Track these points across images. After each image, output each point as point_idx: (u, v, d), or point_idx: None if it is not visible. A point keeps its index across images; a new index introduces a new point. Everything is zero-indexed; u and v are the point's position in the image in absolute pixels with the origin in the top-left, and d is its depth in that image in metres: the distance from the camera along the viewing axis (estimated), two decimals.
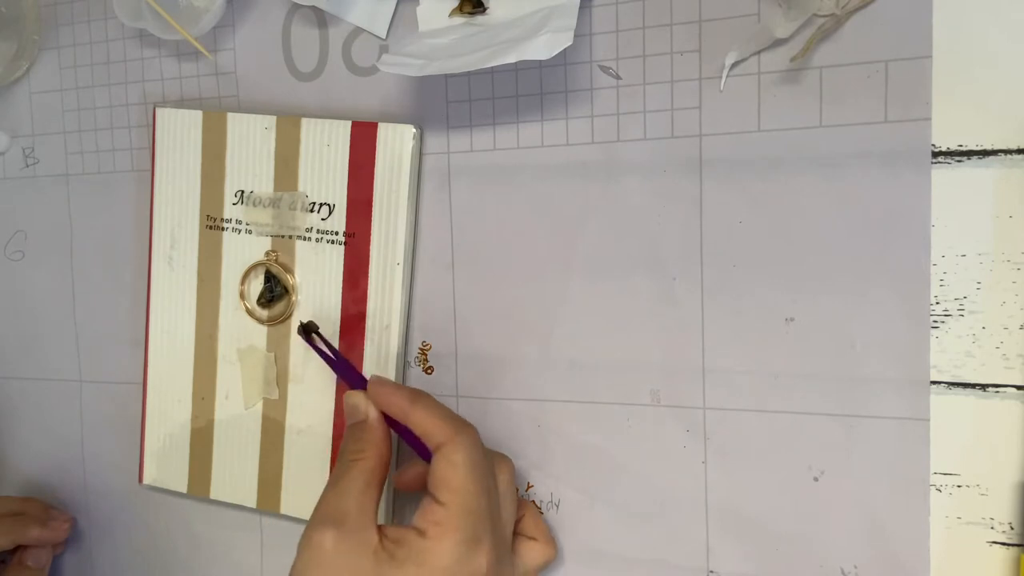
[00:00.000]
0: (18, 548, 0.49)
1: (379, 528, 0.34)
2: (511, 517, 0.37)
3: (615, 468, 0.39)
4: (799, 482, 0.36)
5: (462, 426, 0.35)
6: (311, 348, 0.40)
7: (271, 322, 0.44)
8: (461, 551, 0.32)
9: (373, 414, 0.37)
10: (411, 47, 0.39)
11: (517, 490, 0.38)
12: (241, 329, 0.45)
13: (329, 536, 0.33)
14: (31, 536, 0.49)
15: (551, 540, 0.39)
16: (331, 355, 0.40)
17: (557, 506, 0.40)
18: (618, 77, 0.38)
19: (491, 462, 0.36)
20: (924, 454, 0.34)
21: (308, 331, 0.41)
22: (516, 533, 0.38)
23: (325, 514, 0.34)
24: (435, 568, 0.32)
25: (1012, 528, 0.34)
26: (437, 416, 0.35)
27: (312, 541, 0.33)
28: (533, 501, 0.40)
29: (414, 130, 0.40)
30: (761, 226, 0.36)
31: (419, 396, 0.36)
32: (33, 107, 0.51)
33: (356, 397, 0.37)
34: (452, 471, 0.33)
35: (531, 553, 0.38)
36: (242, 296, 0.44)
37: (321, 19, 0.43)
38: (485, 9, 0.39)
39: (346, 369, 0.39)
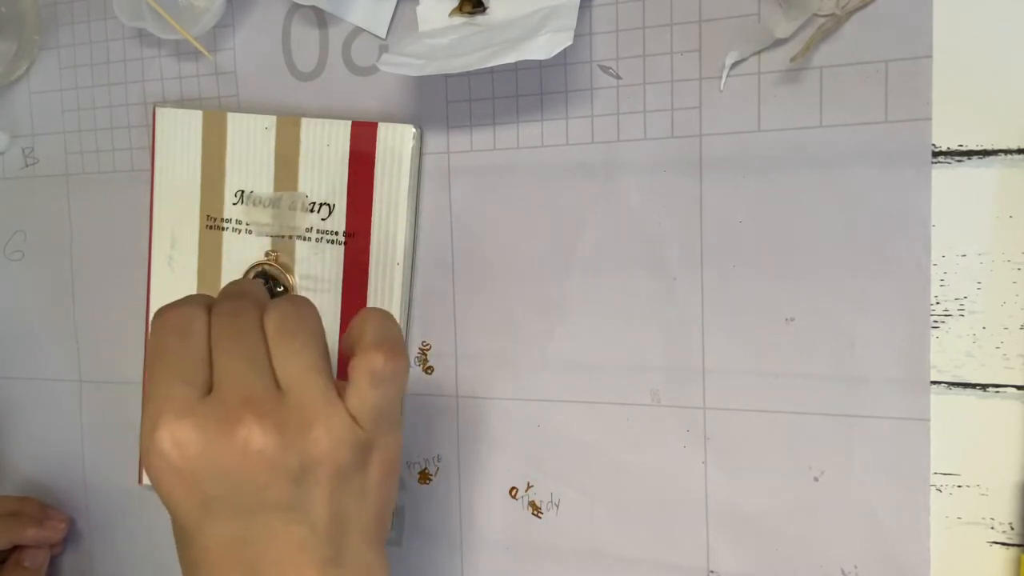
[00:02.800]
0: (15, 548, 0.49)
1: None
2: (297, 352, 0.29)
3: (615, 468, 0.39)
4: (799, 482, 0.36)
5: (157, 313, 0.31)
6: None
7: None
8: (144, 447, 0.28)
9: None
10: (411, 47, 0.39)
11: (307, 326, 0.31)
12: None
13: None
14: (27, 536, 0.49)
15: (373, 346, 0.30)
16: None
17: (557, 506, 0.40)
18: (618, 77, 0.38)
19: (229, 318, 0.30)
20: (924, 454, 0.34)
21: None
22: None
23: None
24: (145, 468, 0.29)
25: (1012, 528, 0.34)
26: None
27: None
28: (371, 308, 0.32)
29: (414, 130, 0.40)
30: (761, 226, 0.36)
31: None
32: (33, 107, 0.51)
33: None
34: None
35: (352, 377, 0.30)
36: None
37: (321, 19, 0.43)
38: (485, 9, 0.39)
39: None
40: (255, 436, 0.28)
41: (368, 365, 0.29)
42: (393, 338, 0.31)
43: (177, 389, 0.28)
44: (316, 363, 0.30)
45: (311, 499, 0.29)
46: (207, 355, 0.30)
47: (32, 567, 0.49)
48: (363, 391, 0.30)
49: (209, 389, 0.29)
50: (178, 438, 0.28)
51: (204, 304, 0.31)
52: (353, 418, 0.29)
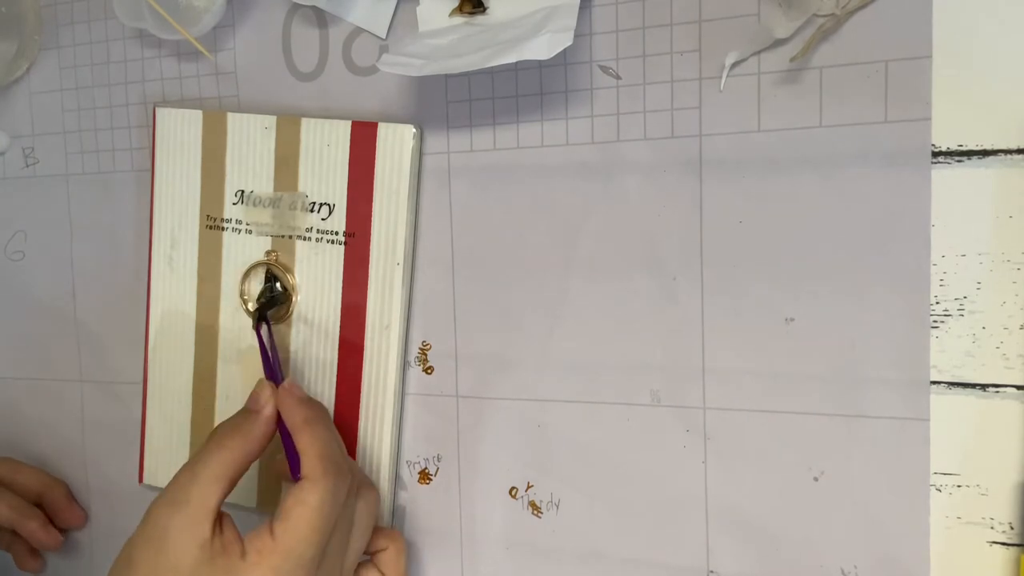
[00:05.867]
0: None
1: (220, 519, 0.35)
2: (359, 548, 0.38)
3: (615, 468, 0.39)
4: (799, 482, 0.36)
5: (334, 471, 0.35)
6: (257, 334, 0.41)
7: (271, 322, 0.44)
8: None
9: (268, 412, 0.37)
10: (411, 47, 0.39)
11: (374, 522, 0.39)
12: (241, 329, 0.45)
13: (165, 515, 0.34)
14: (27, 529, 0.49)
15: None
16: (268, 349, 0.41)
17: (557, 506, 0.40)
18: (618, 77, 0.38)
19: (349, 506, 0.37)
20: (924, 454, 0.34)
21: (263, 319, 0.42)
22: (372, 563, 0.40)
23: (170, 493, 0.35)
24: None
25: (1012, 528, 0.34)
26: (318, 448, 0.35)
27: (150, 516, 0.34)
28: (400, 535, 0.41)
29: (414, 130, 0.40)
30: (761, 226, 0.36)
31: (316, 421, 0.37)
32: (33, 107, 0.51)
33: (264, 388, 0.38)
34: (298, 510, 0.34)
35: None
36: (242, 296, 0.44)
37: (321, 19, 0.43)
38: (485, 9, 0.39)
39: (274, 365, 0.40)
40: None
41: None
42: None
43: (314, 565, 0.34)
44: (360, 556, 0.38)
45: None
46: None
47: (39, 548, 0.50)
48: None
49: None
50: None
51: (350, 475, 0.36)
52: None
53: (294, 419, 0.37)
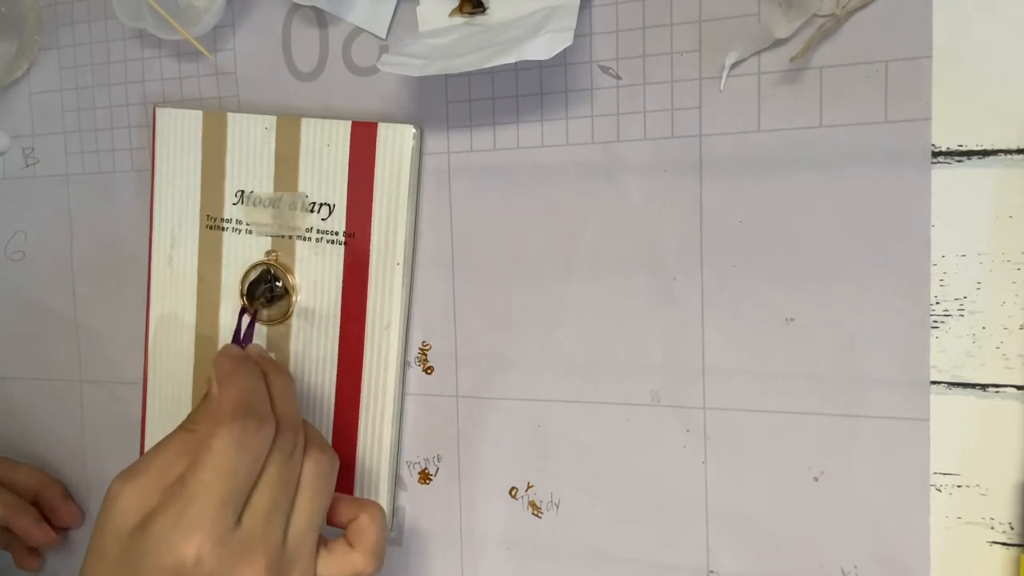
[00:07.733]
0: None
1: None
2: (311, 512, 0.35)
3: (615, 468, 0.39)
4: (799, 482, 0.36)
5: (243, 416, 0.34)
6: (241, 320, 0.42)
7: (271, 322, 0.44)
8: (165, 534, 0.32)
9: (215, 389, 0.36)
10: (411, 47, 0.39)
11: (329, 487, 0.37)
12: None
13: (119, 483, 0.34)
14: (20, 526, 0.49)
15: (372, 554, 0.36)
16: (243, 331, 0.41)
17: (557, 506, 0.40)
18: (618, 77, 0.38)
19: (285, 463, 0.35)
20: (924, 454, 0.34)
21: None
22: (343, 537, 0.37)
23: (134, 465, 0.34)
24: (148, 540, 0.32)
25: (1012, 528, 0.34)
26: (231, 396, 0.35)
27: (111, 484, 0.34)
28: (375, 504, 0.38)
29: (414, 130, 0.40)
30: (761, 226, 0.36)
31: (238, 373, 0.36)
32: (33, 107, 0.51)
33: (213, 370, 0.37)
34: (201, 454, 0.33)
35: (338, 560, 0.36)
36: (242, 296, 0.44)
37: (321, 19, 0.43)
38: (485, 9, 0.39)
39: (242, 344, 0.41)
40: None
41: (359, 568, 0.36)
42: (384, 550, 0.37)
43: (223, 514, 0.32)
44: (316, 524, 0.36)
45: None
46: (255, 482, 0.34)
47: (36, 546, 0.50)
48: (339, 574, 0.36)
49: (240, 513, 0.33)
50: (202, 555, 0.32)
51: (271, 425, 0.35)
52: None
53: (218, 375, 0.36)
